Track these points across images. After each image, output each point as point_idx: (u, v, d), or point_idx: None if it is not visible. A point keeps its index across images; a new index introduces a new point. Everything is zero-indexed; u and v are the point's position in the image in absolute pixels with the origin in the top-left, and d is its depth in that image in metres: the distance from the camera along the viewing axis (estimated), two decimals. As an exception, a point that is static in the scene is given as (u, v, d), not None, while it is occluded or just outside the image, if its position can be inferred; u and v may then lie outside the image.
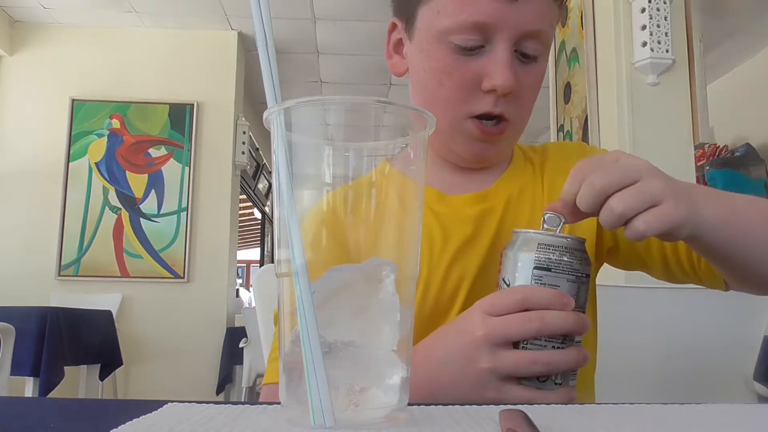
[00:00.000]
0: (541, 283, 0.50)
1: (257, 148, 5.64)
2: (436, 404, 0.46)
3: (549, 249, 0.51)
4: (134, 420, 0.37)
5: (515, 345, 0.50)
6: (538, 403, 0.49)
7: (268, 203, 6.77)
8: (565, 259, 0.51)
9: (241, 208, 5.37)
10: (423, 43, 0.72)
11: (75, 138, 4.20)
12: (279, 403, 0.40)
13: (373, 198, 0.40)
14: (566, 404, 0.50)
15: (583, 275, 0.52)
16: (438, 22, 0.69)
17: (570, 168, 0.79)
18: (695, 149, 2.61)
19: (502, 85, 0.65)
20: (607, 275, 0.83)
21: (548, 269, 0.50)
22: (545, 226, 0.53)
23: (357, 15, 3.98)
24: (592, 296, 0.77)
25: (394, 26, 0.77)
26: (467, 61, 0.67)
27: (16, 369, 2.29)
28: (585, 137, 2.72)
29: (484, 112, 0.68)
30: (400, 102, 0.40)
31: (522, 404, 0.50)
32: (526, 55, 0.68)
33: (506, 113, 0.68)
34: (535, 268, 0.51)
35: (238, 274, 5.41)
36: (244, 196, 5.58)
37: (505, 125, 0.69)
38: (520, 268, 0.51)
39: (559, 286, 0.50)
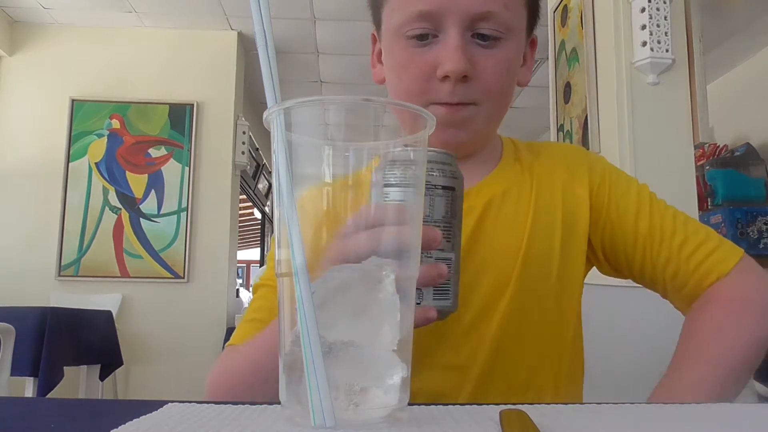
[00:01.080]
0: (387, 200, 0.48)
1: (257, 148, 5.64)
2: (436, 404, 0.46)
3: (394, 165, 0.49)
4: (134, 420, 0.37)
5: None
6: (417, 320, 0.47)
7: (268, 203, 6.77)
8: (410, 173, 0.48)
9: (241, 208, 5.37)
10: (385, 44, 0.74)
11: (75, 138, 4.19)
12: (274, 403, 0.40)
13: (374, 197, 0.40)
14: (423, 324, 0.48)
15: (438, 187, 0.50)
16: (392, 19, 0.70)
17: (561, 170, 0.78)
18: (695, 149, 2.61)
19: (453, 69, 0.65)
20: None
21: (394, 185, 0.48)
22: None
23: (357, 15, 3.98)
24: (571, 292, 0.76)
25: (374, 38, 0.79)
26: (422, 52, 0.68)
27: (16, 369, 2.29)
28: (585, 137, 2.72)
29: (442, 102, 0.68)
30: (400, 102, 0.40)
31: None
32: (484, 39, 0.67)
33: (465, 100, 0.67)
34: (384, 185, 0.49)
35: (238, 274, 5.41)
36: (244, 196, 5.58)
37: (468, 105, 0.68)
38: (374, 191, 0.50)
39: (404, 201, 0.48)
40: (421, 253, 0.47)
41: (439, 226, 0.50)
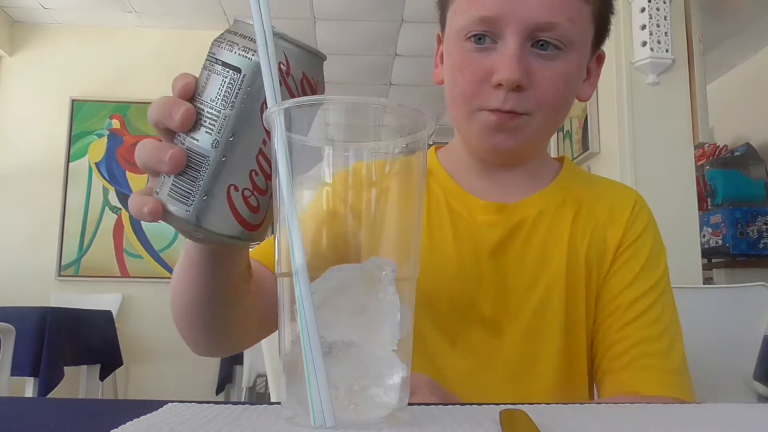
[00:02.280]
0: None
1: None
2: (436, 404, 0.46)
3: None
4: (134, 420, 0.37)
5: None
6: (134, 208, 0.43)
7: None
8: (214, 48, 0.44)
9: (241, 208, 5.36)
10: (446, 46, 0.74)
11: (75, 138, 4.19)
12: (278, 403, 0.40)
13: (374, 198, 0.40)
14: (140, 217, 0.43)
15: (218, 62, 0.42)
16: (455, 22, 0.70)
17: (602, 211, 0.75)
18: (695, 149, 2.61)
19: (507, 78, 0.65)
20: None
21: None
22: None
23: (357, 15, 3.98)
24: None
25: (439, 38, 0.79)
26: (480, 57, 0.68)
27: (16, 369, 2.28)
28: (585, 137, 2.72)
29: (494, 108, 0.67)
30: (401, 102, 0.40)
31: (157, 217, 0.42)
32: (544, 49, 0.67)
33: (518, 109, 0.67)
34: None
35: (238, 274, 5.39)
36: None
37: (520, 115, 0.68)
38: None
39: (198, 77, 0.44)
40: (178, 135, 0.43)
41: (202, 110, 0.42)
